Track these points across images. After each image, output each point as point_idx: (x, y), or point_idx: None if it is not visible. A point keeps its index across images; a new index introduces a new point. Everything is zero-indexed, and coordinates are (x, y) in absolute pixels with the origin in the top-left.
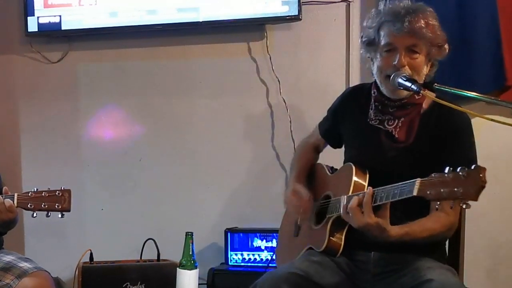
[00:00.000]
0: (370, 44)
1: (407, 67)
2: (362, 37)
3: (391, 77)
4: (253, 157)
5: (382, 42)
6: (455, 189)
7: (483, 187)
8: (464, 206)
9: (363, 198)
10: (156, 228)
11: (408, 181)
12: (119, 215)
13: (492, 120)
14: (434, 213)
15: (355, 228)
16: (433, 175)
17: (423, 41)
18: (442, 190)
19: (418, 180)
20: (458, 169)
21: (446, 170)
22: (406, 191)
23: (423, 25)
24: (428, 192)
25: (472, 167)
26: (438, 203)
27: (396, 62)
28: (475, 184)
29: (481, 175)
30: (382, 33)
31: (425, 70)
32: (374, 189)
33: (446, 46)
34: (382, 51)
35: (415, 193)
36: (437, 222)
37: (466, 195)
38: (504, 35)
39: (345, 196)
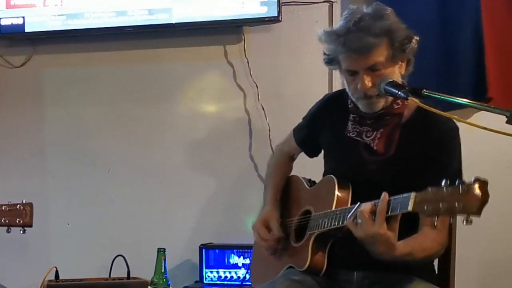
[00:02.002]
0: (331, 63)
1: (371, 86)
2: (324, 53)
3: (376, 84)
4: (229, 167)
5: (343, 66)
6: (455, 205)
7: (485, 202)
8: (464, 223)
9: (376, 207)
10: (126, 244)
11: (401, 195)
12: (87, 230)
13: (485, 128)
14: (426, 231)
15: (359, 239)
16: (429, 188)
17: (379, 56)
18: (440, 205)
19: (413, 194)
20: (457, 183)
21: (443, 183)
22: (400, 207)
23: (371, 44)
24: (425, 208)
25: (473, 180)
26: (437, 218)
27: (359, 87)
28: (477, 199)
29: (482, 189)
30: (339, 56)
31: (398, 73)
32: (389, 197)
33: (414, 40)
34: (346, 74)
35: (410, 209)
36: (434, 241)
37: (467, 210)
38: (488, 47)
39: (359, 203)
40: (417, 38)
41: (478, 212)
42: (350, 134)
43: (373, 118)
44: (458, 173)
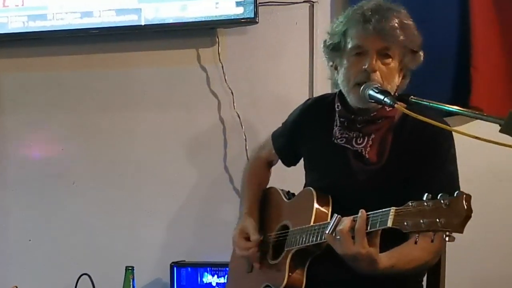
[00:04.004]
0: (335, 49)
1: (378, 73)
2: (325, 41)
3: (361, 89)
4: (202, 180)
5: (350, 45)
6: (437, 220)
7: (468, 217)
8: (447, 239)
9: (355, 223)
10: (91, 262)
11: (381, 211)
12: (49, 247)
13: (477, 138)
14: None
15: (340, 255)
16: (410, 203)
17: (396, 44)
18: (421, 221)
19: (392, 210)
20: (439, 197)
21: (425, 197)
22: (379, 222)
23: (396, 24)
24: (405, 224)
25: (455, 194)
26: (417, 235)
27: (366, 66)
28: (459, 214)
29: (466, 203)
30: (349, 36)
31: (397, 80)
32: (367, 213)
33: (421, 52)
34: (350, 55)
35: (389, 224)
36: (423, 250)
37: (449, 226)
38: (475, 55)
39: (338, 216)
40: (422, 53)
41: (461, 229)
42: (338, 140)
43: (364, 121)
44: (453, 176)
